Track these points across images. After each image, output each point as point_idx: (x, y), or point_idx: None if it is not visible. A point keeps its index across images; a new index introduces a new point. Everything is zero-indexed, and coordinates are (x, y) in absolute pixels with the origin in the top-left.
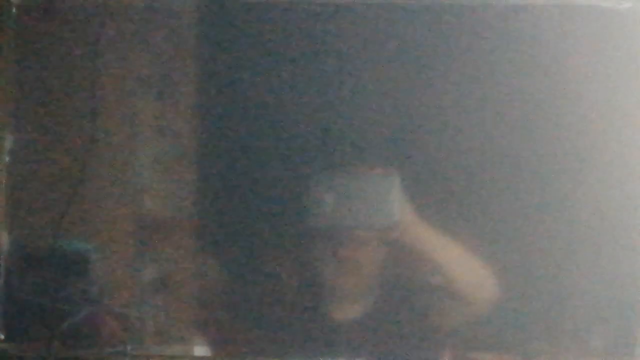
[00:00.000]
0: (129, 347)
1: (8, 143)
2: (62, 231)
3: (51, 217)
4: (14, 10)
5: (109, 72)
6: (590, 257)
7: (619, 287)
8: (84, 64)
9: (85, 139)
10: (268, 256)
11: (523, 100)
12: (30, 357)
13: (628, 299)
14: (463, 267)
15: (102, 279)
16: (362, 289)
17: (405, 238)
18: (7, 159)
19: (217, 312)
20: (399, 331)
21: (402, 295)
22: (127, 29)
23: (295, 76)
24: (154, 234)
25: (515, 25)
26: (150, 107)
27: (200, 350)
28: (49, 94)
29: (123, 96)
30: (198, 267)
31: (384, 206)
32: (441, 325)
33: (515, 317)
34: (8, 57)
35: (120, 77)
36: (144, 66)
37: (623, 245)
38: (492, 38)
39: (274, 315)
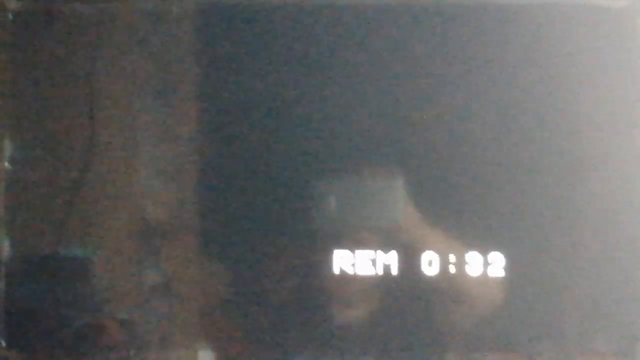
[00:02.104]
0: (131, 353)
1: (7, 149)
2: (63, 237)
3: (52, 223)
4: (10, 15)
5: (108, 77)
6: (593, 257)
7: (622, 288)
8: (82, 69)
9: (85, 145)
10: (271, 260)
11: (523, 100)
12: None
13: (631, 300)
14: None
15: (104, 285)
16: (365, 291)
17: (410, 239)
18: (6, 165)
19: (220, 316)
20: (403, 333)
21: (405, 297)
22: (126, 33)
23: (297, 79)
24: (156, 239)
25: (512, 25)
26: (151, 112)
27: (203, 355)
28: (47, 99)
29: (122, 101)
30: (201, 272)
31: (387, 208)
32: (445, 326)
33: (519, 317)
34: (5, 63)
35: (120, 82)
36: (144, 71)
37: (626, 246)
38: (492, 38)
39: (277, 318)
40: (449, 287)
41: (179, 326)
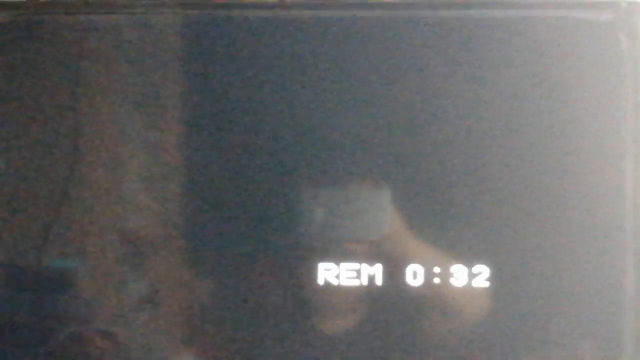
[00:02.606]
0: None
1: None
2: (46, 248)
3: (35, 234)
4: None
5: (92, 88)
6: (577, 266)
7: (606, 296)
8: (66, 80)
9: (68, 155)
10: (257, 271)
11: (507, 114)
12: None
13: (615, 307)
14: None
15: (88, 296)
16: (351, 303)
17: (397, 250)
18: None
19: (204, 327)
20: (387, 345)
21: (391, 309)
22: (111, 43)
23: (282, 90)
24: (140, 251)
25: (496, 38)
26: (135, 123)
27: None
28: (30, 110)
29: (107, 111)
30: (185, 284)
31: (374, 219)
32: (430, 338)
33: (505, 329)
34: None
35: (104, 93)
36: (128, 81)
37: (609, 254)
38: (477, 50)
39: (262, 329)
40: (434, 299)
41: (162, 337)
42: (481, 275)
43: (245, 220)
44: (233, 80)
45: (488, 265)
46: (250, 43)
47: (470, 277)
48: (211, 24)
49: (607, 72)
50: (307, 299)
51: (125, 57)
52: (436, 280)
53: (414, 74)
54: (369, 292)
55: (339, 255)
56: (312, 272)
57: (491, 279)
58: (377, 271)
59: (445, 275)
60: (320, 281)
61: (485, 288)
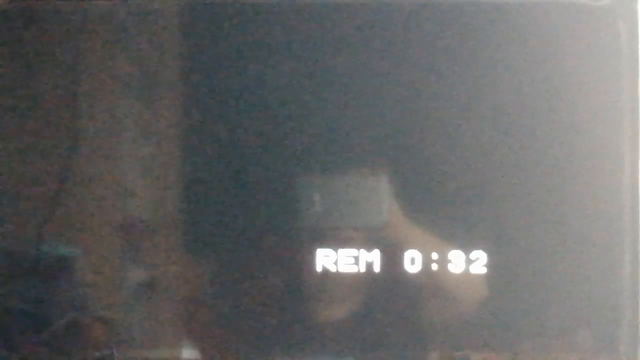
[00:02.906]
0: (115, 351)
1: None
2: (45, 236)
3: (34, 221)
4: None
5: (91, 75)
6: (575, 254)
7: (603, 285)
8: (65, 68)
9: (67, 142)
10: (255, 257)
11: (505, 100)
12: None
13: (612, 297)
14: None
15: (87, 283)
16: (349, 289)
17: (394, 238)
18: None
19: (203, 314)
20: (386, 331)
21: (389, 295)
22: (110, 31)
23: (281, 76)
24: (139, 237)
25: (494, 25)
26: (134, 110)
27: (187, 352)
28: (30, 96)
29: (105, 99)
30: (184, 270)
31: (372, 206)
32: (429, 324)
33: (503, 315)
34: None
35: (103, 80)
36: (127, 69)
37: (608, 242)
38: (475, 38)
39: (261, 316)
40: (432, 285)
41: (162, 324)
42: (479, 262)
43: (244, 206)
44: (232, 67)
45: (486, 252)
46: (250, 29)
47: (467, 263)
48: (210, 9)
49: (605, 57)
50: (305, 285)
51: (123, 43)
52: (434, 267)
53: (411, 61)
54: (366, 279)
55: (337, 242)
56: (311, 259)
57: (489, 265)
58: (375, 258)
59: (443, 261)
60: (319, 268)
61: (483, 274)
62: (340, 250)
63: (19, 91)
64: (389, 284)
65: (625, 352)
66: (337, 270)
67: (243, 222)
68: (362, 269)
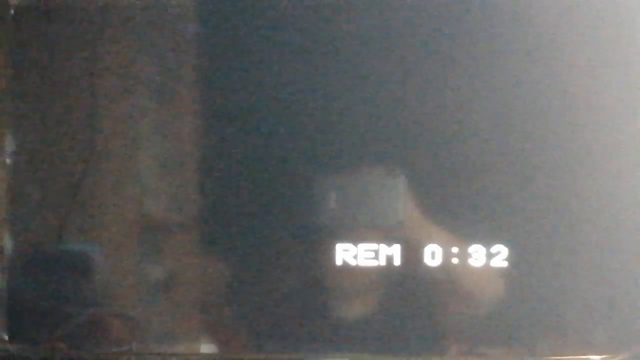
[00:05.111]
0: (133, 347)
1: (9, 145)
2: (65, 232)
3: (54, 218)
4: (12, 11)
5: (110, 74)
6: (594, 251)
7: (622, 282)
8: (83, 66)
9: (86, 140)
10: (272, 255)
11: (522, 94)
12: (35, 358)
13: (629, 295)
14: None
15: (106, 280)
16: (366, 287)
17: (410, 236)
18: (8, 161)
19: (221, 310)
20: (404, 328)
21: (407, 292)
22: (127, 29)
23: (298, 75)
24: (158, 234)
25: (510, 18)
26: (152, 108)
27: (206, 348)
28: (48, 95)
29: (124, 97)
30: (202, 267)
31: (388, 205)
32: (446, 321)
33: (520, 313)
34: (6, 59)
35: (121, 78)
36: (145, 67)
37: (627, 240)
38: (490, 33)
39: (278, 312)
40: (452, 280)
41: (181, 320)
42: (500, 255)
43: (263, 204)
44: (251, 65)
45: (507, 245)
46: (269, 29)
47: (488, 258)
48: (229, 7)
49: (623, 49)
50: (324, 280)
51: (142, 42)
52: (454, 261)
53: (428, 60)
54: (386, 274)
55: (356, 239)
56: (330, 254)
57: (509, 259)
58: (394, 253)
59: (463, 255)
60: (338, 262)
61: (503, 268)
62: (360, 246)
63: (38, 90)
64: (409, 280)
65: None
66: (356, 266)
67: (261, 219)
68: (382, 264)
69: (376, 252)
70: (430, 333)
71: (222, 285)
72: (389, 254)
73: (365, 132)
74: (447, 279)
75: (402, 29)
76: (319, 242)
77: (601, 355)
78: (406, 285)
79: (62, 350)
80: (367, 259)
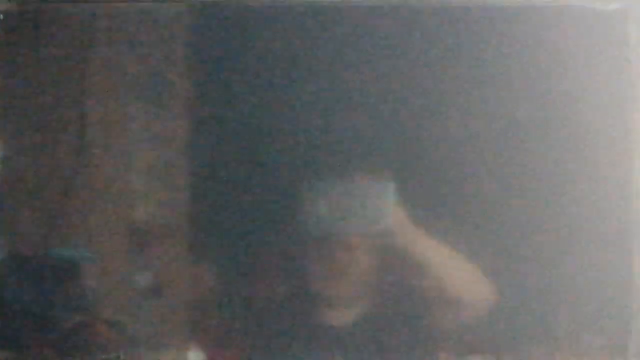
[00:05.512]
0: (121, 353)
1: None
2: (53, 238)
3: (43, 224)
4: (1, 16)
5: (99, 78)
6: (583, 258)
7: (612, 289)
8: (73, 70)
9: (75, 146)
10: (262, 261)
11: (515, 103)
12: None
13: (621, 301)
14: (457, 270)
15: (94, 286)
16: (356, 294)
17: (399, 243)
18: None
19: (210, 317)
20: (393, 335)
21: (396, 300)
22: (117, 34)
23: (289, 81)
24: (147, 241)
25: (503, 28)
26: (142, 113)
27: (194, 355)
28: (38, 100)
29: (113, 102)
30: (191, 273)
31: (377, 212)
32: (435, 329)
33: (509, 319)
34: None
35: (111, 83)
36: (135, 71)
37: (616, 246)
38: (482, 41)
39: (268, 320)
40: (440, 291)
41: (169, 327)
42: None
43: (251, 211)
44: (240, 71)
45: (493, 258)
46: (258, 34)
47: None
48: (219, 12)
49: (616, 62)
50: (311, 289)
51: (131, 46)
52: (439, 272)
53: (417, 68)
54: (372, 283)
55: (344, 247)
56: (318, 262)
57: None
58: (380, 262)
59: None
60: (326, 271)
61: (492, 279)
62: (346, 255)
63: (26, 95)
64: (396, 289)
65: (634, 357)
66: (343, 274)
67: (249, 225)
68: (368, 273)
69: (361, 262)
70: (419, 342)
71: (211, 291)
72: (379, 259)
73: (351, 142)
74: (435, 288)
75: (390, 37)
76: (307, 249)
77: None
78: (396, 291)
79: (50, 357)
80: (358, 264)
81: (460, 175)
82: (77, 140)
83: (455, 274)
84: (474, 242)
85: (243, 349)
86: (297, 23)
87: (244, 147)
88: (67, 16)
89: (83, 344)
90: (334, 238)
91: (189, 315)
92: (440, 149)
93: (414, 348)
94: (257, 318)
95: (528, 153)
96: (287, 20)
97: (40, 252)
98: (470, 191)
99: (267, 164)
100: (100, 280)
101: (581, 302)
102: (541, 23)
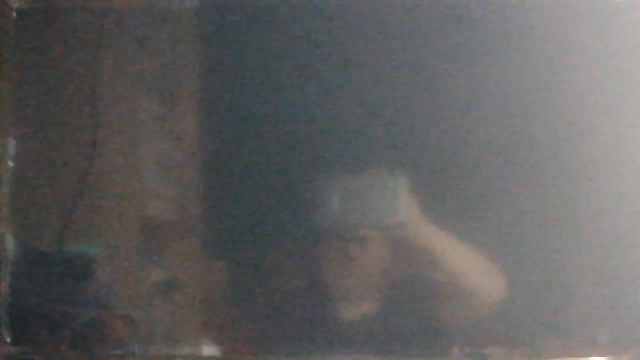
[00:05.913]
0: (136, 349)
1: (12, 148)
2: (68, 235)
3: (57, 221)
4: (14, 14)
5: (111, 76)
6: (596, 253)
7: (624, 283)
8: (85, 68)
9: (88, 143)
10: (275, 256)
11: (525, 97)
12: None
13: (633, 295)
14: (470, 264)
15: (109, 282)
16: (369, 288)
17: (412, 237)
18: (11, 164)
19: (224, 312)
20: (406, 329)
21: (410, 293)
22: (129, 31)
23: (300, 77)
24: (160, 237)
25: (511, 21)
26: (154, 110)
27: (208, 350)
28: (51, 97)
29: (126, 99)
30: (205, 269)
31: (390, 205)
32: (449, 322)
33: (523, 313)
34: (9, 62)
35: (123, 80)
36: (147, 69)
37: (628, 241)
38: (491, 35)
39: (281, 314)
40: (453, 284)
41: (183, 322)
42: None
43: (264, 207)
44: (252, 67)
45: (506, 251)
46: (270, 31)
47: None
48: (229, 10)
49: (624, 52)
50: (325, 283)
51: (144, 43)
52: (453, 265)
53: (430, 62)
54: (386, 276)
55: (357, 241)
56: (331, 258)
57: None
58: (393, 256)
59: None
60: (339, 266)
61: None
62: (360, 249)
63: (40, 93)
64: (409, 282)
65: None
66: (357, 268)
67: (263, 221)
68: (382, 267)
69: (379, 252)
70: (431, 336)
71: (224, 286)
72: (392, 253)
73: (364, 136)
74: (447, 282)
75: (400, 31)
76: (320, 243)
77: (605, 356)
78: (410, 284)
79: (65, 352)
80: (370, 259)
81: (472, 169)
82: (91, 137)
83: (468, 268)
84: (487, 236)
85: (258, 344)
86: (307, 21)
87: (257, 143)
88: (80, 12)
89: (98, 340)
90: (348, 232)
91: (203, 310)
92: (454, 143)
93: (427, 341)
94: (271, 313)
95: (542, 147)
96: (297, 18)
97: (55, 248)
98: (482, 185)
99: (280, 160)
100: (115, 276)
101: (594, 296)
102: (548, 16)
